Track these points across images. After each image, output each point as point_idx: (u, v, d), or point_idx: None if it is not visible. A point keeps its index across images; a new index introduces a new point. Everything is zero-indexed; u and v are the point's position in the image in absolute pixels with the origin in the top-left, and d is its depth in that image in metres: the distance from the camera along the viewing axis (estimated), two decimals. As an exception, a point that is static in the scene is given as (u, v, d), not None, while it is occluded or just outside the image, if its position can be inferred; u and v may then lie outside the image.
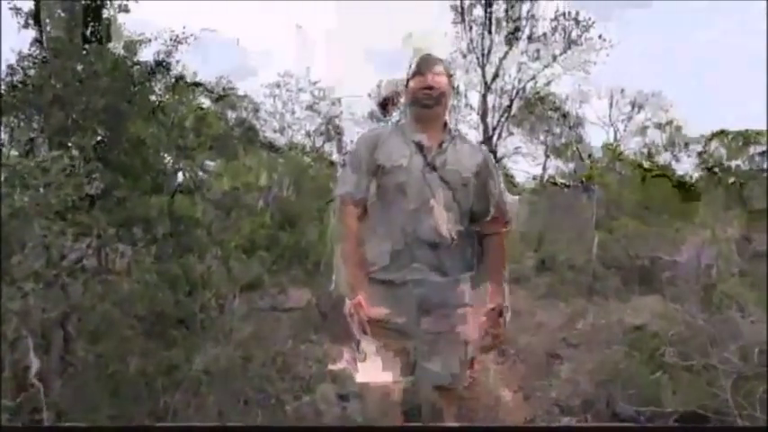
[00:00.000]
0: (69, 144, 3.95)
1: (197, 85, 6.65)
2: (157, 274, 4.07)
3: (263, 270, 4.14)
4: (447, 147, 2.59)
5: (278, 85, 27.46)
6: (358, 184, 2.59)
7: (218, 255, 4.04)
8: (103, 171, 4.12)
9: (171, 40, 4.72)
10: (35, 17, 4.24)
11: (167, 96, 4.14)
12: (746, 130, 15.15)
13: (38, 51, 4.33)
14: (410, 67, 2.70)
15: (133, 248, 4.42)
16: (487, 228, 2.63)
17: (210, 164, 5.80)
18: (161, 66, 4.59)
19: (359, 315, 2.45)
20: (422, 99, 2.59)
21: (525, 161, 25.47)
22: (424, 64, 2.64)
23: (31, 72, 4.14)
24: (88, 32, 4.51)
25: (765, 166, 14.38)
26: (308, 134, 28.79)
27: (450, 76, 2.70)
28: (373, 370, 2.52)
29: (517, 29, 16.52)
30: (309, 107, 28.09)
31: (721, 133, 14.30)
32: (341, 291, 2.61)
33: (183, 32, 4.76)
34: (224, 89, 8.24)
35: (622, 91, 26.42)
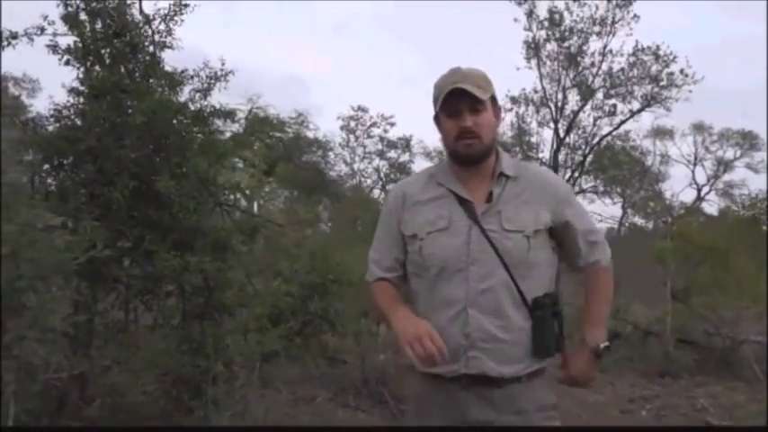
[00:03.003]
0: (99, 195, 3.85)
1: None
2: (179, 337, 3.86)
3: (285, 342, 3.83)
4: (499, 196, 1.91)
5: (352, 119, 28.15)
6: (382, 258, 2.05)
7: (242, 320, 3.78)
8: (133, 224, 4.00)
9: (207, 77, 4.51)
10: (78, 54, 4.14)
11: (199, 156, 3.94)
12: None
13: (82, 87, 4.19)
14: (435, 89, 1.91)
15: (159, 305, 4.24)
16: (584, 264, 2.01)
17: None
18: (203, 115, 4.43)
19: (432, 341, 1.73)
20: (462, 153, 1.90)
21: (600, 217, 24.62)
22: (455, 93, 1.84)
23: (69, 120, 4.07)
24: (131, 67, 4.37)
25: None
26: (379, 178, 29.07)
27: (493, 97, 1.92)
28: None
29: (592, 64, 15.71)
30: (380, 154, 28.42)
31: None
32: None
33: (222, 68, 4.54)
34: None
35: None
